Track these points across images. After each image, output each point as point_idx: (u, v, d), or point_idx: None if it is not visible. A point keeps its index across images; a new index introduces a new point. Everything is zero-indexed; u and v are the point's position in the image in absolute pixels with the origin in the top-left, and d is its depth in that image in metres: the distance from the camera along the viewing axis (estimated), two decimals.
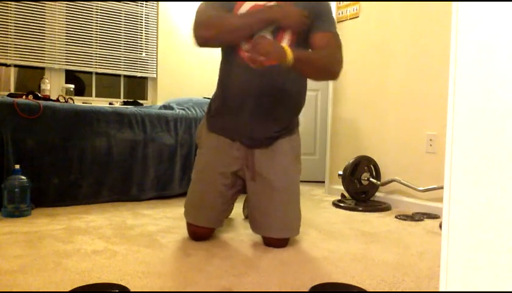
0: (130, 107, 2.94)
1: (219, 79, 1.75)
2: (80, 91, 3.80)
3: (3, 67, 3.47)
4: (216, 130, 1.74)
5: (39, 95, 3.05)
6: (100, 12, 3.81)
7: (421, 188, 2.47)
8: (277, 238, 1.66)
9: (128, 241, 1.71)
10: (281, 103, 1.65)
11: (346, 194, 2.80)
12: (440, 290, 0.62)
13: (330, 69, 1.60)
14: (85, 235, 1.78)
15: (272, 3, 1.60)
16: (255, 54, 1.42)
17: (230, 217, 2.21)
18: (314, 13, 1.61)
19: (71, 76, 3.76)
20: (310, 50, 1.63)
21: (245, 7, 1.62)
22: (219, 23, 1.58)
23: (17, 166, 2.14)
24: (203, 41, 1.60)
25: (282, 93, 1.64)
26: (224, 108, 1.71)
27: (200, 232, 1.74)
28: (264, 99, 1.62)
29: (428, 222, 2.24)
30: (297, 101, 1.74)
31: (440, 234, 0.65)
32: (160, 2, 4.03)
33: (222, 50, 1.73)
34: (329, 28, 1.64)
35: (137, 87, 4.14)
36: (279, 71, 1.56)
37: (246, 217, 2.19)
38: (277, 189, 1.67)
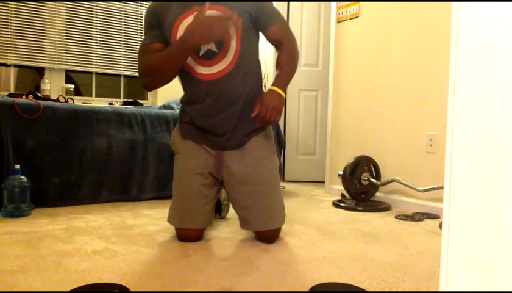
0: (130, 107, 2.94)
1: (183, 94, 1.79)
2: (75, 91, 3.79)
3: (3, 67, 3.47)
4: (189, 138, 1.77)
5: (39, 95, 3.05)
6: (100, 12, 3.81)
7: (421, 188, 2.47)
8: (263, 231, 1.70)
9: (128, 241, 1.71)
10: (243, 107, 1.70)
11: (346, 194, 2.80)
12: (440, 290, 0.62)
13: (297, 58, 1.81)
14: (85, 235, 1.78)
15: (210, 11, 1.57)
16: (267, 117, 1.61)
17: (227, 216, 2.21)
18: (256, 10, 1.69)
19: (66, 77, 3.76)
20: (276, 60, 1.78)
21: (184, 25, 1.63)
22: (151, 68, 1.64)
23: (17, 166, 2.14)
24: (147, 87, 1.72)
25: (240, 96, 1.69)
26: (192, 120, 1.77)
27: (188, 235, 1.72)
28: (224, 110, 1.68)
29: (428, 222, 2.24)
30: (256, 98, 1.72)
31: (440, 234, 0.65)
32: None
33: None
34: (276, 19, 1.76)
35: (137, 87, 4.14)
36: (231, 77, 1.65)
37: None
38: (253, 183, 1.70)
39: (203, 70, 1.65)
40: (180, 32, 1.63)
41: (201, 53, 1.64)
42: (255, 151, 1.74)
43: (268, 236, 1.71)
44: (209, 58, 1.64)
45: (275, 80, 1.70)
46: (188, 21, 1.63)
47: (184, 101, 1.78)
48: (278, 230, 1.75)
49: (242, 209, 1.74)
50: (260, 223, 1.70)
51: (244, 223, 1.75)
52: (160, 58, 1.62)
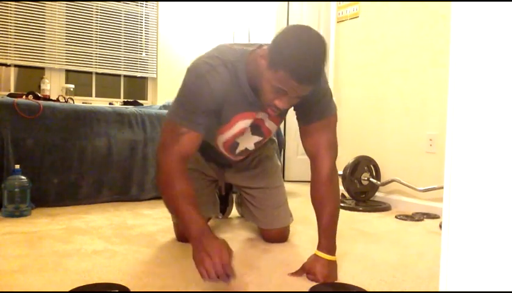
0: (130, 107, 2.94)
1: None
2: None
3: (3, 67, 3.47)
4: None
5: (39, 95, 3.05)
6: (100, 12, 3.81)
7: (421, 188, 2.46)
8: (276, 229, 1.73)
9: (128, 241, 1.71)
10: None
11: (346, 194, 2.80)
12: (440, 290, 0.62)
13: (338, 201, 1.48)
14: (85, 235, 1.78)
15: (262, 114, 1.47)
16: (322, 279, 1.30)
17: (228, 216, 2.21)
18: (312, 100, 1.37)
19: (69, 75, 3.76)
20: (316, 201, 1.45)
21: (242, 123, 1.46)
22: (168, 204, 1.33)
23: (17, 166, 2.14)
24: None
25: (253, 154, 1.76)
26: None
27: None
28: (235, 162, 1.72)
29: (428, 222, 2.24)
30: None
31: (440, 234, 0.65)
32: (159, 2, 4.03)
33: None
34: (328, 114, 1.43)
35: (137, 87, 4.14)
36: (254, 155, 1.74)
37: (242, 216, 2.21)
38: (258, 168, 1.77)
39: (229, 154, 1.62)
40: (237, 127, 1.46)
41: (237, 152, 1.59)
42: (258, 158, 1.80)
43: (277, 236, 1.73)
44: (242, 154, 1.64)
45: (321, 241, 1.37)
46: (247, 121, 1.46)
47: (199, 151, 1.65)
48: (286, 231, 1.78)
49: (255, 210, 1.76)
50: (266, 222, 1.73)
51: (258, 223, 1.78)
52: (178, 212, 1.27)
